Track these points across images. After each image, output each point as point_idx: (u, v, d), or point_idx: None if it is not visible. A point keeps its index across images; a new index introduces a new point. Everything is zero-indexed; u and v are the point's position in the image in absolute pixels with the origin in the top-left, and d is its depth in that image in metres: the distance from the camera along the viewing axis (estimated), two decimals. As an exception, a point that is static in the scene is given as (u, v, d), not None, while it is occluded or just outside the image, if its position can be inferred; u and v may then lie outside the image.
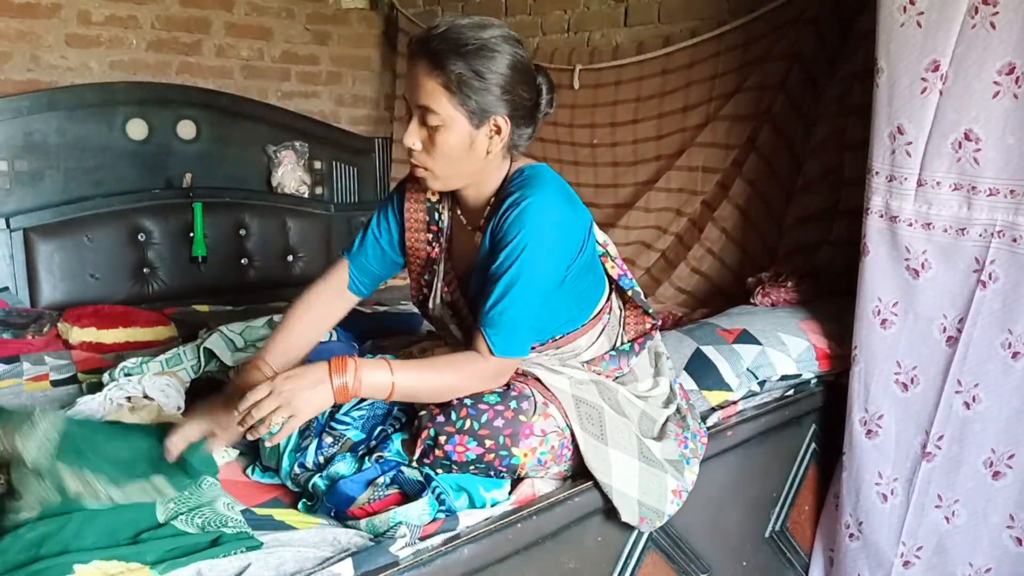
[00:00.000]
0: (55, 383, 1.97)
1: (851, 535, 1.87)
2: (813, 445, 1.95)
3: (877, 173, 1.73)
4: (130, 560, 1.10)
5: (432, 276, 1.51)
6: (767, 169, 2.51)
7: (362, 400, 1.45)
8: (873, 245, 1.75)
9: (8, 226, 2.74)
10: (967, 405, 1.69)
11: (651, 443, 1.43)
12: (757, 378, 1.83)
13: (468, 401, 1.31)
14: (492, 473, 1.32)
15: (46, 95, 2.83)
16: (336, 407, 1.44)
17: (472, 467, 1.31)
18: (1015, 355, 1.63)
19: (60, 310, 2.51)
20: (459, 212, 1.46)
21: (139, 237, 2.97)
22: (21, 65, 2.84)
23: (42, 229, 2.78)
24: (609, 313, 1.52)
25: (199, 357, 1.84)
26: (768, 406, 1.81)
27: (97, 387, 1.77)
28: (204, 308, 2.88)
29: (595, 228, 1.46)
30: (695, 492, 1.45)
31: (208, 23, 3.26)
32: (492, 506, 1.32)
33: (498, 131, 1.32)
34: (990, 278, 1.63)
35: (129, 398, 1.63)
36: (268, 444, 1.35)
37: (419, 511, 1.22)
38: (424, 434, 1.32)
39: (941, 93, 1.61)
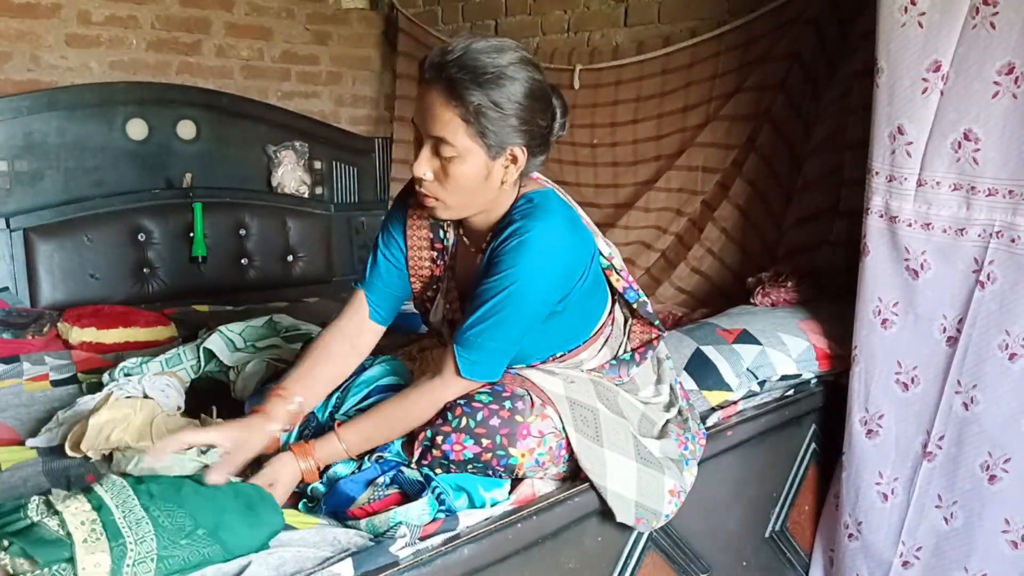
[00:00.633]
0: (55, 383, 1.98)
1: (850, 535, 1.87)
2: (813, 445, 1.95)
3: (877, 173, 1.73)
4: None
5: (435, 293, 1.50)
6: (767, 169, 2.51)
7: (362, 399, 1.47)
8: (873, 245, 1.75)
9: (8, 226, 2.74)
10: (966, 406, 1.69)
11: (651, 441, 1.43)
12: (757, 378, 1.82)
13: (461, 400, 1.32)
14: (490, 473, 1.32)
15: (46, 95, 2.83)
16: (336, 407, 1.46)
17: (470, 466, 1.31)
18: (1012, 356, 1.62)
19: (60, 310, 2.51)
20: (462, 232, 1.45)
21: (139, 237, 2.97)
22: (21, 65, 2.84)
23: (42, 229, 2.78)
24: (612, 325, 1.50)
25: (199, 357, 1.85)
26: (768, 406, 1.81)
27: (97, 387, 1.77)
28: (204, 308, 2.88)
29: (600, 242, 1.43)
30: (695, 492, 1.45)
31: (208, 23, 3.26)
32: (492, 506, 1.32)
33: (514, 160, 1.29)
34: (988, 279, 1.63)
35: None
36: None
37: (419, 511, 1.23)
38: (421, 436, 1.33)
39: (942, 93, 1.61)
